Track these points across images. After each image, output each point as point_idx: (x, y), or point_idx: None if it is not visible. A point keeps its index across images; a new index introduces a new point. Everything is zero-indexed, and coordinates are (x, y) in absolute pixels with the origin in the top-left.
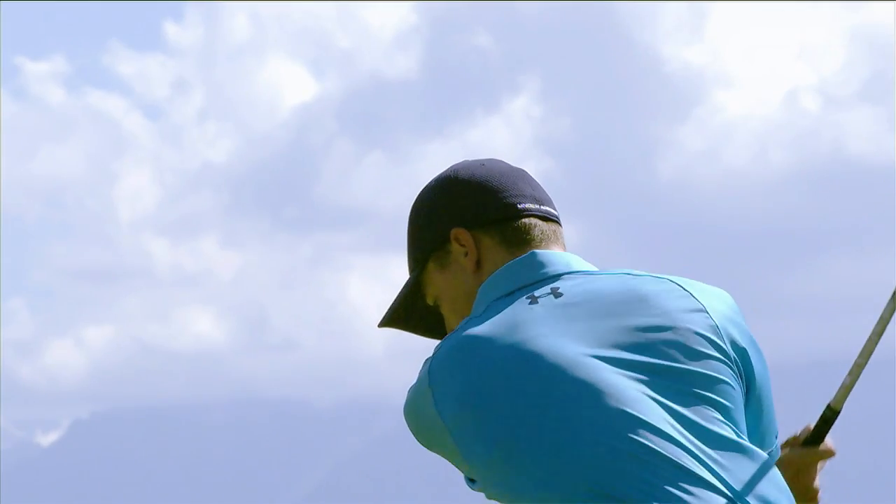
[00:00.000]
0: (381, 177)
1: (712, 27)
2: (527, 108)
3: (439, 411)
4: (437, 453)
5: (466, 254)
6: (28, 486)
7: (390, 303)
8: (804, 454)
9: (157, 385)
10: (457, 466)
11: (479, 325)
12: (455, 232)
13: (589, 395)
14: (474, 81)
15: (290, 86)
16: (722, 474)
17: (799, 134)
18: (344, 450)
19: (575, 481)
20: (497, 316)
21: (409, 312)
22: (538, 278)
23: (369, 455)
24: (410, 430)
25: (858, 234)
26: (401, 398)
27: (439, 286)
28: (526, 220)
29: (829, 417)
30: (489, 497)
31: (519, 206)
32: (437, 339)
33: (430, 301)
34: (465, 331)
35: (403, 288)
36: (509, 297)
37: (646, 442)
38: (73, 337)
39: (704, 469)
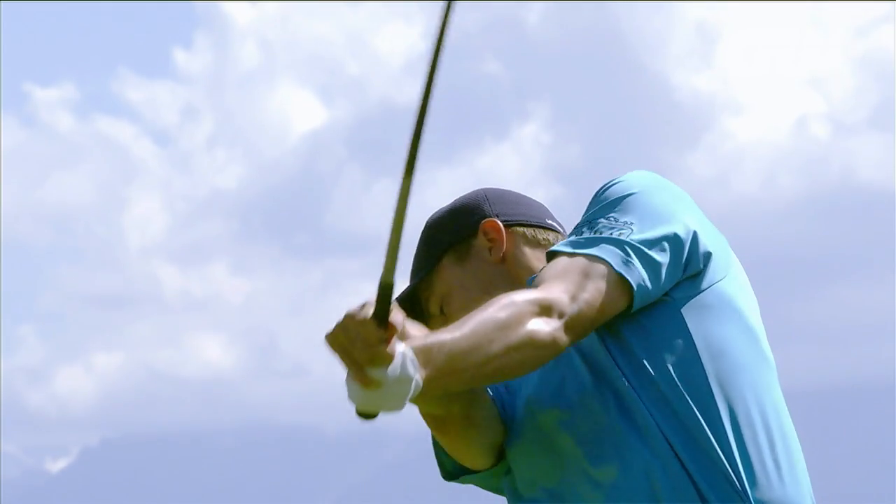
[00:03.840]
0: (391, 203)
1: (721, 54)
2: (536, 134)
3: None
4: (664, 209)
5: (491, 249)
6: None
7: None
8: (378, 332)
9: (166, 411)
10: (665, 233)
11: None
12: (487, 222)
13: None
14: (484, 108)
15: (300, 112)
16: None
17: (808, 160)
18: (353, 476)
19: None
20: None
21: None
22: None
23: (379, 482)
24: (640, 180)
25: (867, 260)
26: (410, 425)
27: (452, 280)
28: (555, 235)
29: (385, 293)
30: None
31: (548, 220)
32: None
33: (433, 303)
34: None
35: (403, 292)
36: None
37: None
38: (82, 363)
39: None
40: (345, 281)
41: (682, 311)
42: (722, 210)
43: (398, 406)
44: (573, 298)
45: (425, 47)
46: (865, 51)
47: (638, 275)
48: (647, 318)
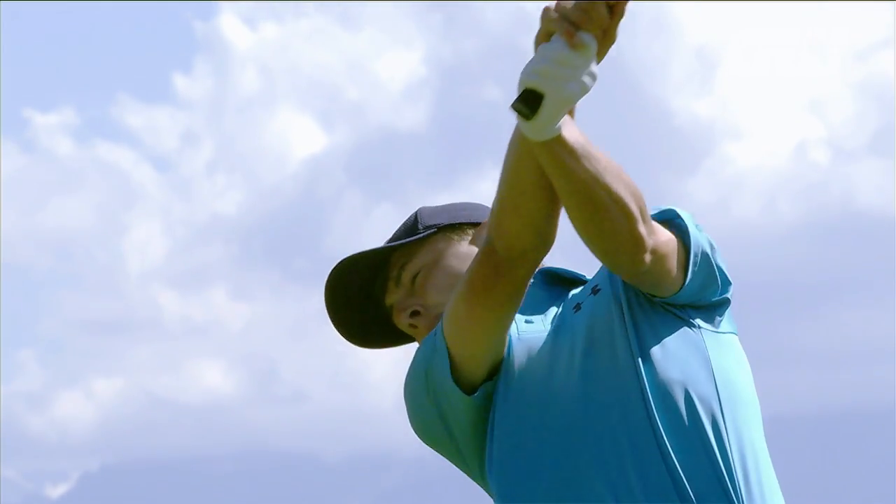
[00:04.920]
0: (391, 229)
1: (721, 80)
2: None
3: None
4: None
5: None
6: None
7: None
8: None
9: (166, 437)
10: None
11: None
12: None
13: None
14: (483, 134)
15: (300, 138)
16: None
17: (808, 186)
18: (353, 503)
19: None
20: None
21: (376, 269)
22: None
23: None
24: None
25: (866, 285)
26: (410, 451)
27: (440, 255)
28: None
29: None
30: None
31: None
32: (351, 330)
33: (408, 271)
34: None
35: (386, 246)
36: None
37: None
38: (82, 389)
39: None
40: None
41: (704, 337)
42: (722, 235)
43: (569, 97)
44: (665, 237)
45: (425, 73)
46: (865, 76)
47: (696, 265)
48: (668, 330)
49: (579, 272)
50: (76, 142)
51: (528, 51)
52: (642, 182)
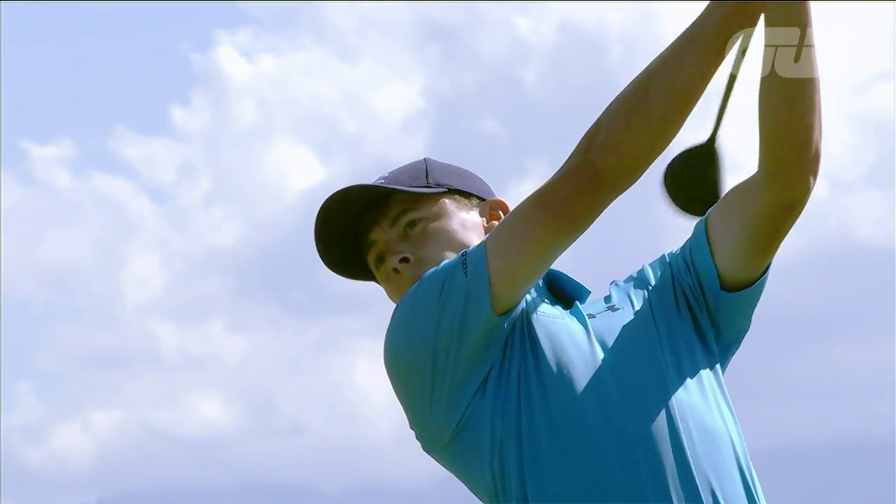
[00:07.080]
0: None
1: None
2: None
3: None
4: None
5: (486, 224)
6: None
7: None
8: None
9: (164, 470)
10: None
11: None
12: (503, 203)
13: None
14: (481, 166)
15: (297, 170)
16: None
17: (806, 218)
18: None
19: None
20: None
21: (369, 204)
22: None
23: None
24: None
25: (865, 318)
26: (408, 483)
27: (443, 212)
28: None
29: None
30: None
31: None
32: (332, 258)
33: (408, 216)
34: None
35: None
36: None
37: None
38: (80, 422)
39: None
40: (343, 339)
41: (720, 378)
42: None
43: None
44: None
45: (422, 105)
46: (863, 108)
47: (766, 275)
48: (700, 356)
49: (583, 285)
50: (74, 174)
51: (525, 83)
52: (640, 217)
